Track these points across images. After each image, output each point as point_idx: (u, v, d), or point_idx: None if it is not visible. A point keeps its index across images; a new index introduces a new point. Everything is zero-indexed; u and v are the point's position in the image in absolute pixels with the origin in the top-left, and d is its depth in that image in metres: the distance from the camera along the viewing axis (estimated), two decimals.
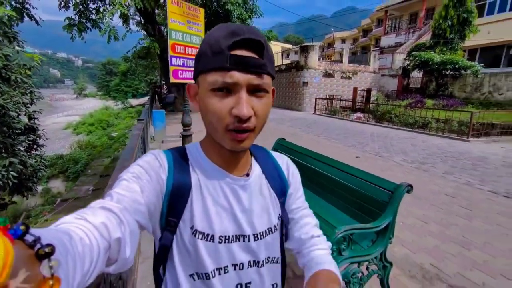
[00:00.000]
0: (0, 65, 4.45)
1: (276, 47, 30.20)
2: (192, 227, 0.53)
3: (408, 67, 14.82)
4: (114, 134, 14.39)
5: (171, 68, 4.07)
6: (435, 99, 12.58)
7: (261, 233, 0.58)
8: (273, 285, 0.63)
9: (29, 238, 0.25)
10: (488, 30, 15.53)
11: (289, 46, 36.71)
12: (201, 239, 0.53)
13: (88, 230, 0.37)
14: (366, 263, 1.65)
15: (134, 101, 33.05)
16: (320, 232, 0.69)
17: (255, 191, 0.60)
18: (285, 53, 32.42)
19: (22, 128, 6.36)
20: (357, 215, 1.86)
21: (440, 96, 13.35)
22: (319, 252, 0.65)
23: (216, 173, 0.57)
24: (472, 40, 14.70)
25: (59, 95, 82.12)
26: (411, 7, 21.87)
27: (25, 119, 6.37)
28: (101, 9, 10.34)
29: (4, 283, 0.20)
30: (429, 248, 2.52)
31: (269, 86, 0.51)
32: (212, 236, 0.53)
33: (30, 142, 6.62)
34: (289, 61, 20.24)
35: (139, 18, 13.92)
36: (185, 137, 4.66)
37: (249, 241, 0.57)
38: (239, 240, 0.56)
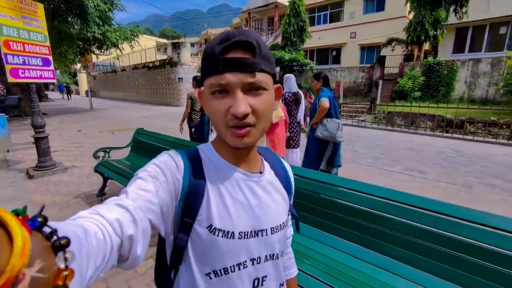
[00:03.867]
0: None
1: (150, 42, 28.76)
2: (210, 226, 0.53)
3: None
4: None
5: (7, 67, 3.81)
6: None
7: (277, 227, 0.61)
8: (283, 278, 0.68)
9: (46, 229, 0.26)
10: (319, 36, 20.69)
11: (165, 41, 35.58)
12: (222, 236, 0.53)
13: (103, 226, 0.38)
14: None
15: None
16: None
17: (269, 187, 0.62)
18: (162, 47, 31.36)
19: None
20: None
21: None
22: (289, 255, 0.77)
23: (231, 171, 0.58)
24: (311, 43, 19.27)
25: None
26: (267, 12, 25.70)
27: None
28: None
29: (21, 272, 0.21)
30: None
31: (266, 83, 0.52)
32: (233, 232, 0.54)
33: None
34: (166, 57, 20.03)
35: None
36: (39, 140, 4.29)
37: (266, 234, 0.59)
38: (257, 235, 0.57)
